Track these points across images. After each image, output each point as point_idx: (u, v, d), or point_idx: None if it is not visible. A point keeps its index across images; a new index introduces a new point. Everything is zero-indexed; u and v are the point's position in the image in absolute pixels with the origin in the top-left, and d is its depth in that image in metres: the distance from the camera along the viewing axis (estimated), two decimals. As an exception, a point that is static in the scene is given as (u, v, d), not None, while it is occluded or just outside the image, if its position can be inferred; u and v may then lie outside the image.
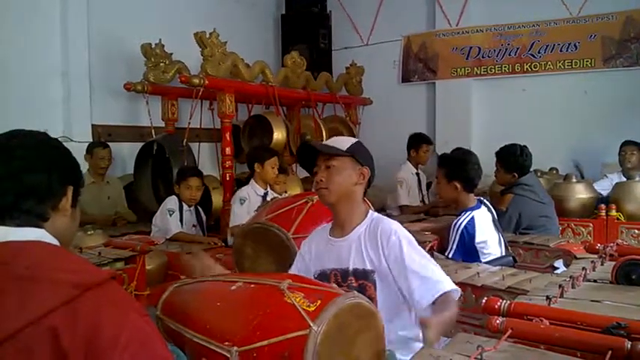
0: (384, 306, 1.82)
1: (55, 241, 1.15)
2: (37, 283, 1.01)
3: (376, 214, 2.03)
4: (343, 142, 1.98)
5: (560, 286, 1.62)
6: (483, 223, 2.94)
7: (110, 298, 1.05)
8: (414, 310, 1.85)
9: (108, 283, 1.08)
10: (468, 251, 2.86)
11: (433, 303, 1.75)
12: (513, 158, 3.83)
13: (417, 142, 5.68)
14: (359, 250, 1.91)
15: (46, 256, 1.09)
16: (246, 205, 4.14)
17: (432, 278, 1.78)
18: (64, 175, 1.20)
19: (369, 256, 1.88)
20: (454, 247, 2.86)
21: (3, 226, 1.12)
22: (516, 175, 3.81)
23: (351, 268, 1.91)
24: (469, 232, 2.86)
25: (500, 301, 1.42)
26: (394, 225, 1.92)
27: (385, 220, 1.96)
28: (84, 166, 4.71)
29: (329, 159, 1.93)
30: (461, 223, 2.88)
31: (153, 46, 5.04)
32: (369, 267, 1.88)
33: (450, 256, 2.86)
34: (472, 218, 2.90)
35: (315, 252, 2.05)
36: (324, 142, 2.10)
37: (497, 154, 3.94)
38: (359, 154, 1.95)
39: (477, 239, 2.87)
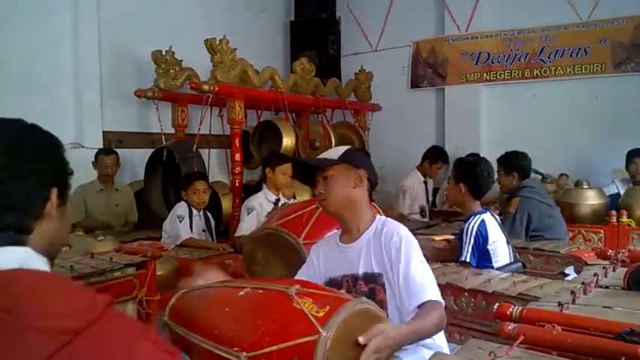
0: (395, 308, 1.82)
1: (39, 262, 0.99)
2: (21, 333, 0.86)
3: (384, 217, 2.03)
4: (335, 152, 2.02)
5: (572, 292, 1.61)
6: (493, 225, 2.96)
7: (109, 334, 0.90)
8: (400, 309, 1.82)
9: (105, 318, 0.90)
10: (482, 254, 2.86)
11: (418, 307, 1.73)
12: (512, 160, 4.02)
13: (436, 156, 5.70)
14: (367, 254, 1.91)
15: (29, 293, 0.90)
16: (254, 215, 4.15)
17: (421, 284, 1.76)
18: (44, 176, 1.03)
19: (376, 259, 1.88)
20: (469, 249, 2.86)
21: None
22: (516, 175, 3.97)
23: (360, 272, 1.91)
24: (482, 234, 2.87)
25: (512, 307, 1.41)
26: (399, 226, 1.93)
27: (391, 223, 1.96)
28: (93, 174, 4.73)
29: (324, 170, 1.95)
30: (473, 227, 2.89)
31: (163, 52, 5.07)
32: (376, 270, 1.87)
33: (467, 259, 2.85)
34: (483, 221, 2.91)
35: (324, 259, 2.05)
36: (319, 156, 2.12)
37: (498, 160, 4.07)
38: (352, 159, 1.96)
39: (490, 241, 2.88)
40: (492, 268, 2.83)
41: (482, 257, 2.88)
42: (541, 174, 5.03)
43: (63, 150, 1.09)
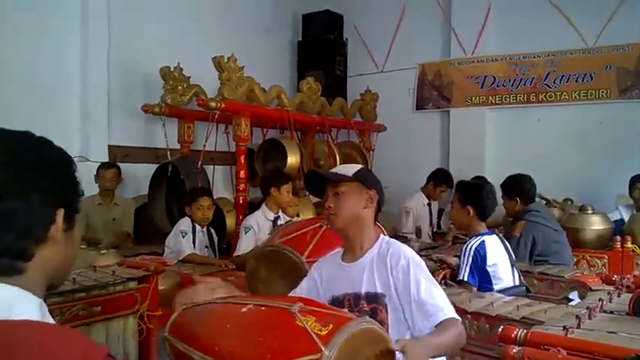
0: (396, 328, 1.81)
1: (30, 305, 0.85)
2: None
3: (387, 238, 2.03)
4: (349, 169, 2.02)
5: (577, 316, 1.60)
6: (494, 247, 2.95)
7: None
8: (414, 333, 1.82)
9: None
10: (481, 275, 2.85)
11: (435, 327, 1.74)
12: (514, 185, 4.02)
13: (440, 179, 5.66)
14: (370, 273, 1.91)
15: (17, 354, 0.76)
16: (252, 233, 4.16)
17: (435, 305, 1.76)
18: (50, 194, 0.90)
19: (380, 279, 1.88)
20: (467, 269, 2.86)
21: None
22: (518, 200, 3.97)
23: (363, 292, 1.90)
24: (480, 254, 2.87)
25: (517, 330, 1.40)
26: (404, 248, 1.93)
27: (396, 244, 1.96)
28: (95, 188, 4.72)
29: (336, 186, 1.95)
30: (472, 246, 2.89)
31: (171, 69, 5.12)
32: (380, 290, 1.87)
33: (465, 278, 2.84)
34: (483, 242, 2.91)
35: (327, 277, 2.04)
36: (332, 170, 2.15)
37: (501, 185, 4.06)
38: (365, 179, 1.98)
39: (489, 262, 2.87)
40: (492, 289, 2.82)
41: (482, 278, 2.87)
42: (546, 199, 5.02)
43: (74, 168, 0.98)
